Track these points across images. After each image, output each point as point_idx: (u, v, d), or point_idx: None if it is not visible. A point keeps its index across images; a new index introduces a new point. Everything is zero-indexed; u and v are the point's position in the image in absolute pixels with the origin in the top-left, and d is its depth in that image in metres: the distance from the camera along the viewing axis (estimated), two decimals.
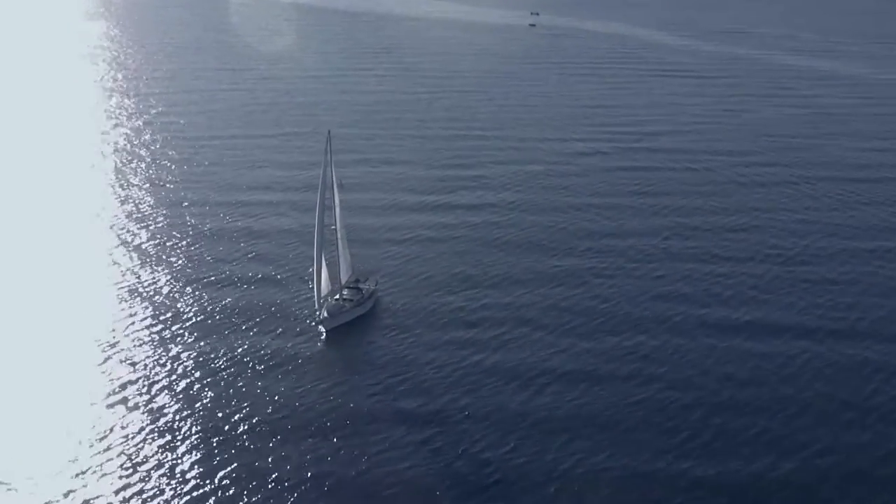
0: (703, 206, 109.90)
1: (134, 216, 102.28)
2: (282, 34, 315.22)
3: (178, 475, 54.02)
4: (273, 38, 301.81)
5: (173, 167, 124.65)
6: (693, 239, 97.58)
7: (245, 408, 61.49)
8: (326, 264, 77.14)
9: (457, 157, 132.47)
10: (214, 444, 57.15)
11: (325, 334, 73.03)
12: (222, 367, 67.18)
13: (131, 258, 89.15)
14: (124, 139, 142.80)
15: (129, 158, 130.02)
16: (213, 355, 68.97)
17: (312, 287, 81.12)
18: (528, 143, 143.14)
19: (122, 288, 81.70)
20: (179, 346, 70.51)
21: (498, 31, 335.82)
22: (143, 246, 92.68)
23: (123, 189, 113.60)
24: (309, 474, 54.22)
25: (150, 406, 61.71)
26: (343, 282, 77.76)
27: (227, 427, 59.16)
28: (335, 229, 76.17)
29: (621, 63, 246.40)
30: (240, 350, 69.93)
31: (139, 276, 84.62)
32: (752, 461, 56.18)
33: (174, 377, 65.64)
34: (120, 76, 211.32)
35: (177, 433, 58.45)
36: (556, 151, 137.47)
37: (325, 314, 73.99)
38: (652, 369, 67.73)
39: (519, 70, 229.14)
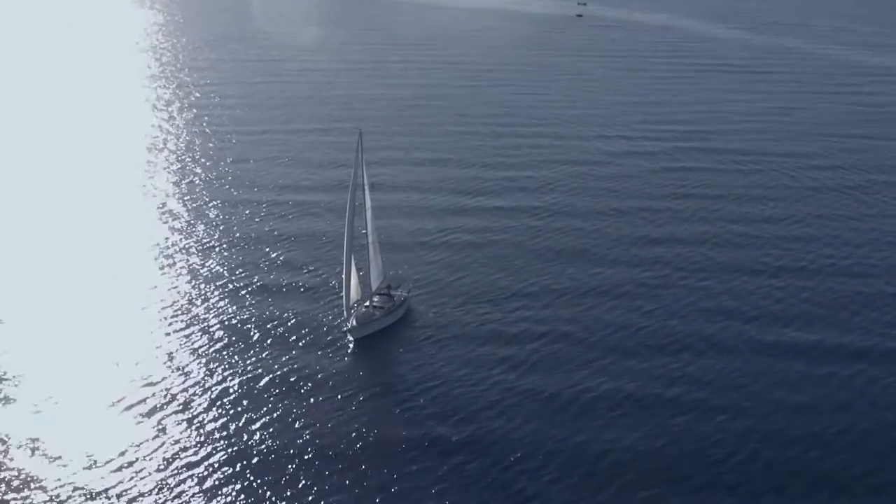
0: (754, 212, 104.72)
1: (157, 212, 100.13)
2: (324, 24, 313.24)
3: (186, 500, 51.30)
4: (315, 27, 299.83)
5: (205, 161, 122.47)
6: (743, 248, 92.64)
7: (264, 429, 58.45)
8: (356, 270, 73.97)
9: (496, 156, 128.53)
10: (225, 470, 54.24)
11: (353, 343, 69.96)
12: (243, 381, 64.34)
13: (151, 256, 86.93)
14: (155, 130, 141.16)
15: (158, 151, 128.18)
16: (234, 367, 66.19)
17: (341, 293, 77.81)
18: (571, 141, 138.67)
19: (138, 290, 79.43)
20: (197, 356, 67.88)
21: (543, 22, 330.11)
22: (165, 245, 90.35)
23: (148, 183, 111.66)
24: None
25: (159, 424, 59.06)
26: (374, 288, 74.59)
27: (241, 451, 56.19)
28: (366, 233, 72.97)
29: (670, 56, 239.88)
30: (263, 361, 67.06)
31: (158, 277, 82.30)
32: (809, 499, 51.89)
33: (191, 389, 63.00)
34: (159, 64, 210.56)
35: (187, 454, 55.68)
36: (599, 150, 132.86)
37: (354, 322, 70.89)
38: (698, 393, 63.44)
39: (563, 62, 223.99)
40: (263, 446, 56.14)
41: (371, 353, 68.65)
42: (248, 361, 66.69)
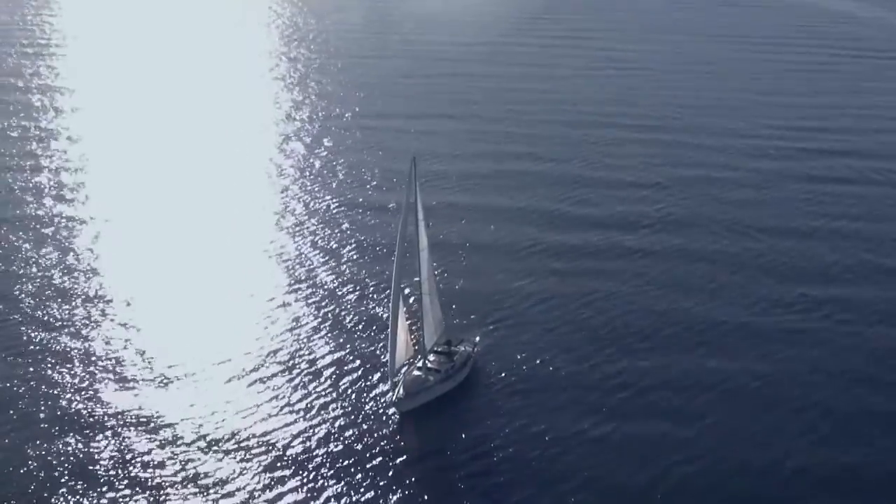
0: None
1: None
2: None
3: None
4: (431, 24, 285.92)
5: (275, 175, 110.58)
6: None
7: None
8: (407, 323, 59.73)
9: (588, 170, 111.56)
10: None
11: (398, 419, 55.90)
12: (256, 470, 51.22)
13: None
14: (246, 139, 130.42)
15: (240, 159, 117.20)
16: (249, 448, 53.15)
17: (387, 353, 61.97)
18: (682, 145, 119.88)
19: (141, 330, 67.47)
20: (209, 448, 55.15)
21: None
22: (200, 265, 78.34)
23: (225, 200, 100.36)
24: None
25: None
26: (429, 345, 60.22)
27: None
28: (419, 279, 58.54)
29: (807, 39, 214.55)
30: (277, 444, 53.74)
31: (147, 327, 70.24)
32: None
33: (196, 482, 50.28)
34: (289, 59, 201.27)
35: None
36: (719, 149, 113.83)
37: (402, 392, 56.77)
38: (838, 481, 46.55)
39: (686, 47, 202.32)
40: None
41: (422, 431, 54.40)
42: (264, 444, 53.50)
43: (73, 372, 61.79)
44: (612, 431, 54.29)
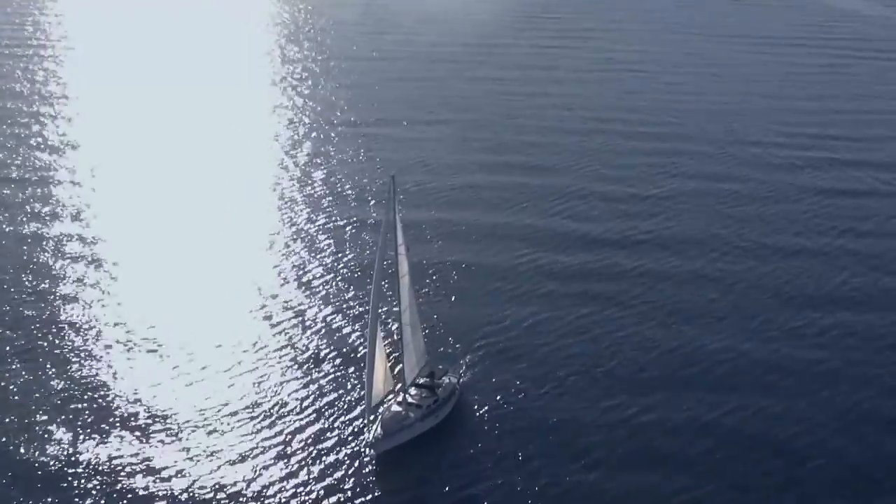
0: None
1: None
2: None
3: None
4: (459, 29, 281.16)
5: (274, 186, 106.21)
6: None
7: None
8: (388, 354, 55.47)
9: (587, 182, 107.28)
10: None
11: (375, 460, 51.68)
12: None
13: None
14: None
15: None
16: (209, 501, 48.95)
17: (364, 388, 55.20)
18: (683, 154, 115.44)
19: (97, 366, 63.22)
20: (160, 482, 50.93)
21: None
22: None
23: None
24: None
25: None
26: (409, 379, 55.96)
27: None
28: (399, 310, 54.24)
29: (816, 38, 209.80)
30: (247, 496, 49.51)
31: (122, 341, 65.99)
32: None
33: None
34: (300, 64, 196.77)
35: None
36: (722, 158, 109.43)
37: (379, 430, 52.54)
38: None
39: (688, 47, 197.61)
40: None
41: (400, 473, 50.22)
42: (228, 491, 49.28)
43: (45, 366, 57.61)
44: (604, 478, 50.04)
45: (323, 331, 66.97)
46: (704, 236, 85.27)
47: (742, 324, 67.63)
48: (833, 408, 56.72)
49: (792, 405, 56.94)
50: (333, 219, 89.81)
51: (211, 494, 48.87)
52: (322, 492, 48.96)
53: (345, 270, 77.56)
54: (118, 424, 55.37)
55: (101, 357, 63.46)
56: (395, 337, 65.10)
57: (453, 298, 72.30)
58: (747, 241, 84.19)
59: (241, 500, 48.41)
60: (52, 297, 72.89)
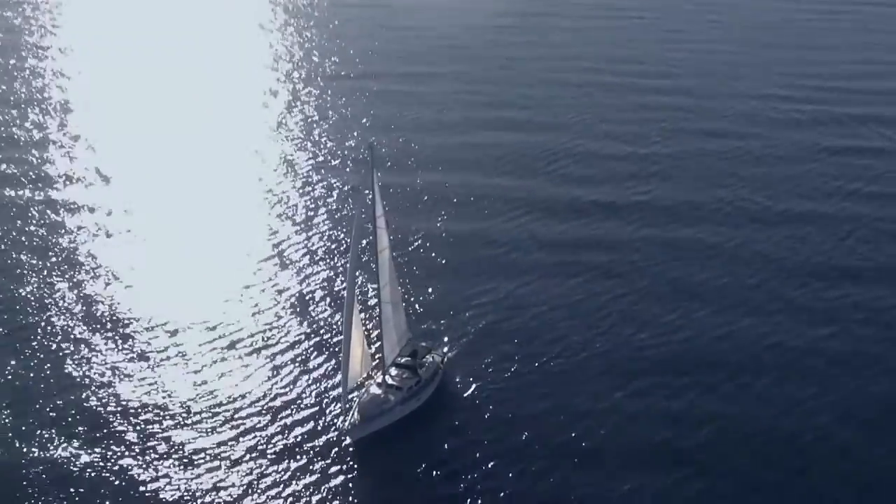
0: None
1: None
2: None
3: None
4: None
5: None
6: None
7: None
8: (366, 334, 51.59)
9: (582, 139, 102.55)
10: None
11: (352, 449, 48.24)
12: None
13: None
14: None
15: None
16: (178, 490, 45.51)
17: (339, 370, 52.18)
18: (687, 110, 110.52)
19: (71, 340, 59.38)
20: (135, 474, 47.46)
21: None
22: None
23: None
24: None
25: None
26: (389, 359, 52.23)
27: None
28: (378, 286, 50.23)
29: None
30: (217, 494, 46.08)
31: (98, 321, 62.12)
32: None
33: None
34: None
35: None
36: (731, 114, 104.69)
37: (356, 416, 49.00)
38: None
39: None
40: None
41: (379, 462, 46.81)
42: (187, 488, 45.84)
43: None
44: (596, 465, 46.67)
45: (297, 310, 62.71)
46: (704, 199, 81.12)
47: (744, 298, 63.84)
48: (841, 392, 53.25)
49: (797, 389, 53.49)
50: (308, 188, 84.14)
51: (174, 491, 45.43)
52: (294, 483, 45.56)
53: (321, 244, 72.61)
54: (75, 415, 51.74)
55: (60, 335, 59.64)
56: (375, 316, 61.22)
57: (437, 271, 68.03)
58: (750, 203, 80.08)
59: (206, 496, 45.01)
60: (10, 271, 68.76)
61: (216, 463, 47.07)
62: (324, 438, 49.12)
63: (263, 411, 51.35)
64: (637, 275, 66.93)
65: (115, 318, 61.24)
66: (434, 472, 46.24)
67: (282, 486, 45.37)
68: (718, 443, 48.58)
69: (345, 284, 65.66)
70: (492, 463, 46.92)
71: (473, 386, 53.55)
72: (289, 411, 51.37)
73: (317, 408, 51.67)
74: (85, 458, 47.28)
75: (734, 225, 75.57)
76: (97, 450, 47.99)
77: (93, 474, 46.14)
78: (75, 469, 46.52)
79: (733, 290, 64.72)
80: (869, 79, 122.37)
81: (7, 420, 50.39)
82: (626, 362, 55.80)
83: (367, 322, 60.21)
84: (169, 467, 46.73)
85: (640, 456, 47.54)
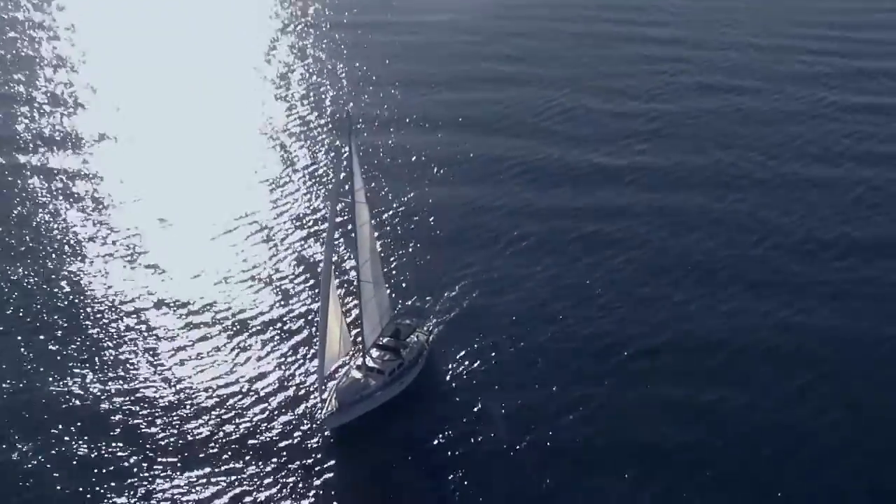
0: None
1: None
2: None
3: None
4: None
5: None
6: None
7: None
8: (345, 314, 47.79)
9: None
10: None
11: (330, 438, 44.86)
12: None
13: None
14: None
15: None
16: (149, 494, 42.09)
17: (318, 355, 47.24)
18: (688, 61, 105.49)
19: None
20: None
21: None
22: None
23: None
24: None
25: None
26: (371, 341, 48.52)
27: None
28: (357, 264, 46.26)
29: None
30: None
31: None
32: None
33: None
34: None
35: None
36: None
37: (334, 403, 45.50)
38: None
39: None
40: None
41: (359, 452, 43.47)
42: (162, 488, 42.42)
43: None
44: (586, 453, 43.44)
45: (273, 291, 58.46)
46: (706, 162, 76.88)
47: (747, 274, 60.08)
48: (853, 381, 50.00)
49: (802, 376, 50.20)
50: (286, 160, 78.51)
51: (140, 484, 42.03)
52: (266, 476, 42.20)
53: (297, 221, 67.62)
54: (30, 404, 48.04)
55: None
56: (354, 295, 57.22)
57: (422, 243, 63.92)
58: (754, 165, 75.96)
59: (169, 492, 41.64)
60: None
61: (182, 456, 43.63)
62: (299, 428, 45.65)
63: (233, 399, 47.81)
64: (634, 244, 63.13)
65: (76, 298, 57.29)
66: (416, 464, 42.96)
67: (252, 478, 42.04)
68: (714, 433, 45.36)
69: (319, 264, 61.53)
70: (477, 452, 43.64)
71: (460, 367, 50.04)
72: (261, 398, 47.84)
73: (291, 394, 48.15)
74: (29, 446, 43.81)
75: (736, 190, 71.48)
76: (40, 439, 44.49)
77: (49, 466, 42.69)
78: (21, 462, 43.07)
79: (735, 262, 61.00)
80: (882, 30, 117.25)
81: None
82: (621, 342, 52.30)
83: (347, 301, 56.29)
84: (130, 457, 43.28)
85: (634, 447, 44.31)
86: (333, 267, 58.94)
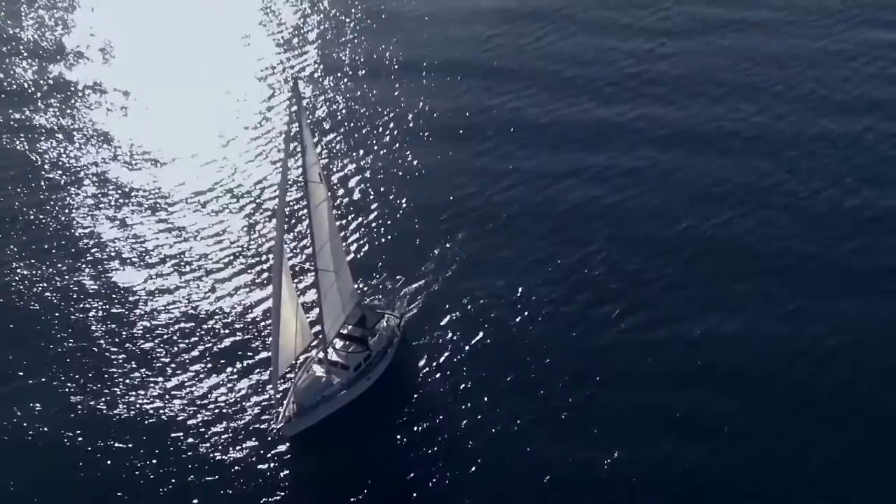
0: None
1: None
2: None
3: None
4: None
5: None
6: None
7: None
8: (298, 305, 41.97)
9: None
10: None
11: (287, 445, 39.76)
12: None
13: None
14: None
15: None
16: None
17: (272, 351, 41.10)
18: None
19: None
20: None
21: None
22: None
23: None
24: None
25: None
26: (333, 332, 42.95)
27: None
28: (314, 251, 40.31)
29: None
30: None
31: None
32: None
33: None
34: None
35: None
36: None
37: (293, 408, 40.24)
38: None
39: None
40: None
41: (320, 463, 38.45)
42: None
43: None
44: (570, 448, 38.62)
45: (221, 284, 51.20)
46: (712, 116, 69.43)
47: (756, 252, 54.59)
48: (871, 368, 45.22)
49: (805, 368, 45.37)
50: (230, 136, 67.29)
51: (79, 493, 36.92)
52: (218, 490, 37.09)
53: (245, 204, 58.58)
54: None
55: None
56: (313, 282, 50.47)
57: (389, 217, 56.72)
58: (768, 119, 69.07)
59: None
60: None
61: (118, 475, 38.40)
62: (252, 437, 40.40)
63: (176, 407, 42.35)
64: (626, 215, 56.85)
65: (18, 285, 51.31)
66: (382, 475, 38.02)
67: (202, 492, 36.90)
68: (707, 414, 40.63)
69: (271, 249, 53.81)
70: (455, 456, 38.63)
71: (434, 357, 44.73)
72: (207, 405, 42.42)
73: (243, 398, 42.72)
74: None
75: (744, 150, 64.28)
76: None
77: None
78: None
79: (737, 241, 55.41)
80: None
81: None
82: (607, 324, 47.02)
83: (305, 289, 49.95)
84: (71, 470, 38.04)
85: (623, 431, 39.47)
86: (288, 252, 53.00)
